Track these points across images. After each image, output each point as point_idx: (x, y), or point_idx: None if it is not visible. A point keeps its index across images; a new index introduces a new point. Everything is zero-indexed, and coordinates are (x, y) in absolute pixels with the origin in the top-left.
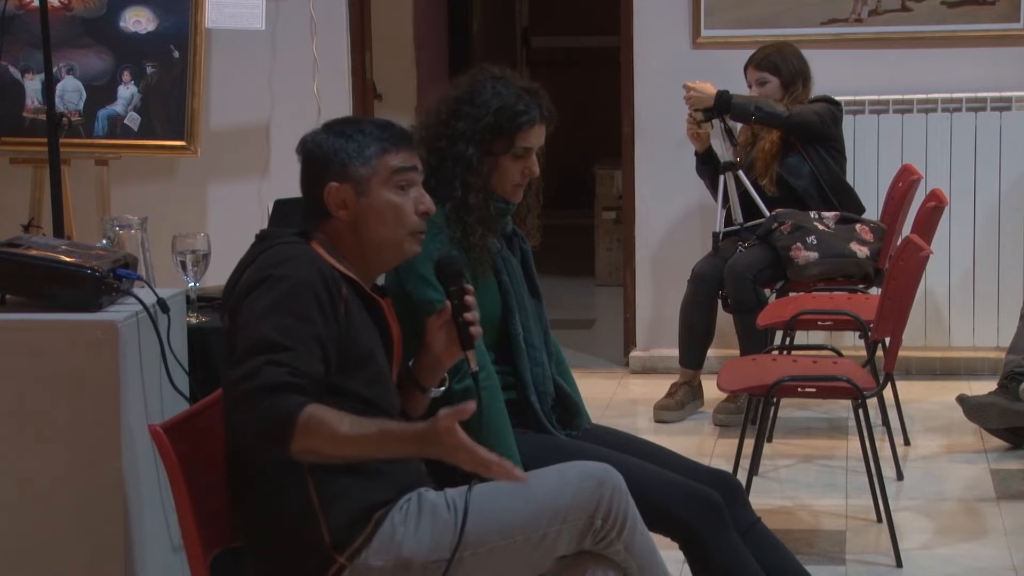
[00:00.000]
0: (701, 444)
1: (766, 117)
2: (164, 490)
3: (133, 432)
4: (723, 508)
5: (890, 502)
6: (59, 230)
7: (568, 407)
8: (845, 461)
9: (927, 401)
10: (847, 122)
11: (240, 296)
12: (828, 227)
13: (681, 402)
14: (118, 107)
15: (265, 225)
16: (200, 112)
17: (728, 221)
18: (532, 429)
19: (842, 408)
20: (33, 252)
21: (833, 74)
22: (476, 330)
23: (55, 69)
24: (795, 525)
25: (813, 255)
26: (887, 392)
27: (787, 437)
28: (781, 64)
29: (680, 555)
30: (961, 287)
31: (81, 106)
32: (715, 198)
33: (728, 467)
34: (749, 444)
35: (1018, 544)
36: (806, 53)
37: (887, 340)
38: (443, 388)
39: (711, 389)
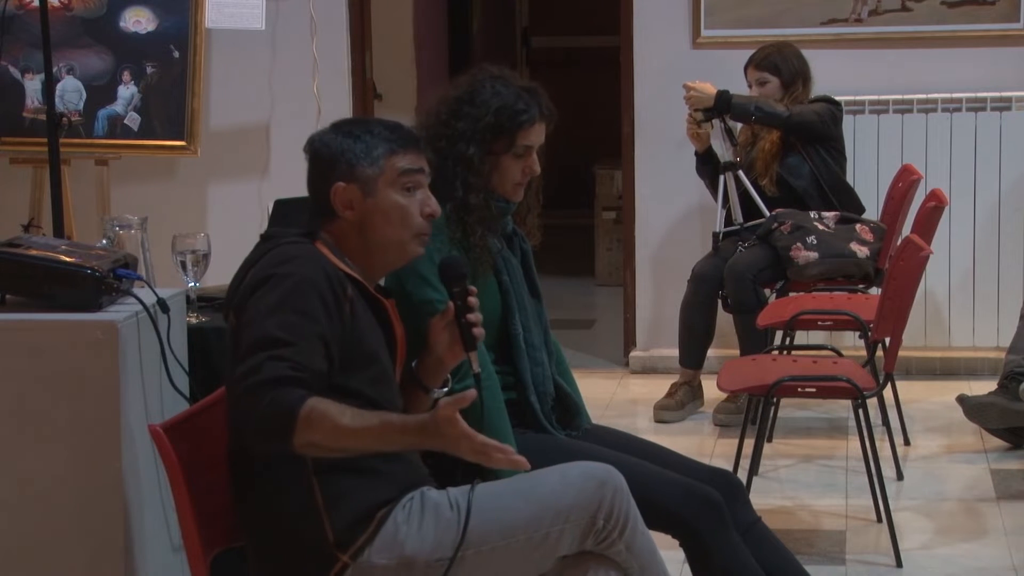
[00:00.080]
0: (701, 444)
1: (766, 117)
2: (164, 490)
3: (133, 432)
4: (723, 506)
5: (890, 502)
6: (59, 230)
7: (568, 407)
8: (845, 461)
9: (927, 401)
10: (847, 122)
11: (244, 295)
12: (828, 227)
13: (681, 402)
14: (118, 107)
15: (265, 225)
16: (200, 112)
17: (728, 221)
18: (532, 429)
19: (842, 408)
20: (33, 252)
21: (833, 74)
22: (479, 332)
23: (55, 69)
24: (795, 525)
25: (813, 255)
26: (887, 392)
27: (787, 437)
28: (781, 64)
29: (680, 555)
30: (961, 287)
31: (81, 106)
32: (715, 198)
33: (728, 467)
34: (749, 444)
35: (1018, 544)
36: (806, 53)
37: (887, 340)
38: (446, 389)
39: (711, 389)
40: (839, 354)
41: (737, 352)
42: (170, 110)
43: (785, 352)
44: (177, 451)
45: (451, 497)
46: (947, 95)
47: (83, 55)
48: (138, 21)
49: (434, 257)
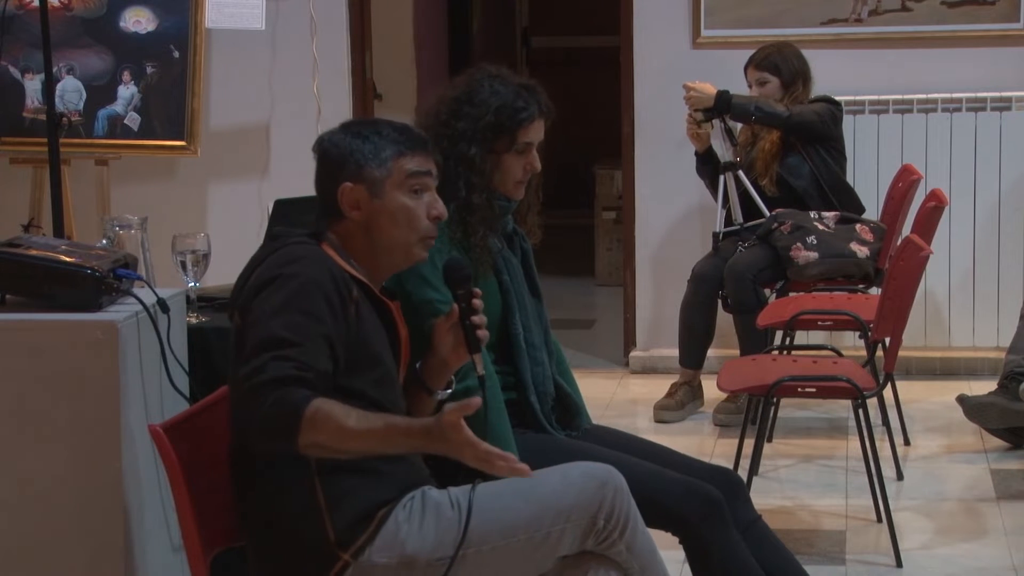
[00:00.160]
0: (701, 444)
1: (766, 117)
2: (164, 490)
3: (133, 432)
4: (723, 505)
5: (890, 502)
6: (59, 230)
7: (568, 407)
8: (845, 461)
9: (927, 401)
10: (847, 122)
11: (250, 295)
12: (828, 227)
13: (681, 402)
14: (118, 107)
15: (265, 225)
16: (200, 112)
17: (728, 221)
18: (532, 429)
19: (842, 408)
20: (33, 252)
21: (833, 74)
22: (483, 334)
23: (55, 69)
24: (795, 525)
25: (813, 255)
26: (887, 392)
27: (787, 437)
28: (781, 64)
29: (680, 555)
30: (961, 287)
31: (81, 106)
32: (715, 198)
33: (728, 467)
34: (749, 444)
35: (1018, 544)
36: (806, 53)
37: (887, 340)
38: (449, 391)
39: (711, 389)
40: (839, 354)
41: (737, 352)
42: (170, 110)
43: (785, 352)
44: (177, 451)
45: (452, 497)
46: (947, 95)
47: (83, 55)
48: (138, 21)
49: (435, 258)
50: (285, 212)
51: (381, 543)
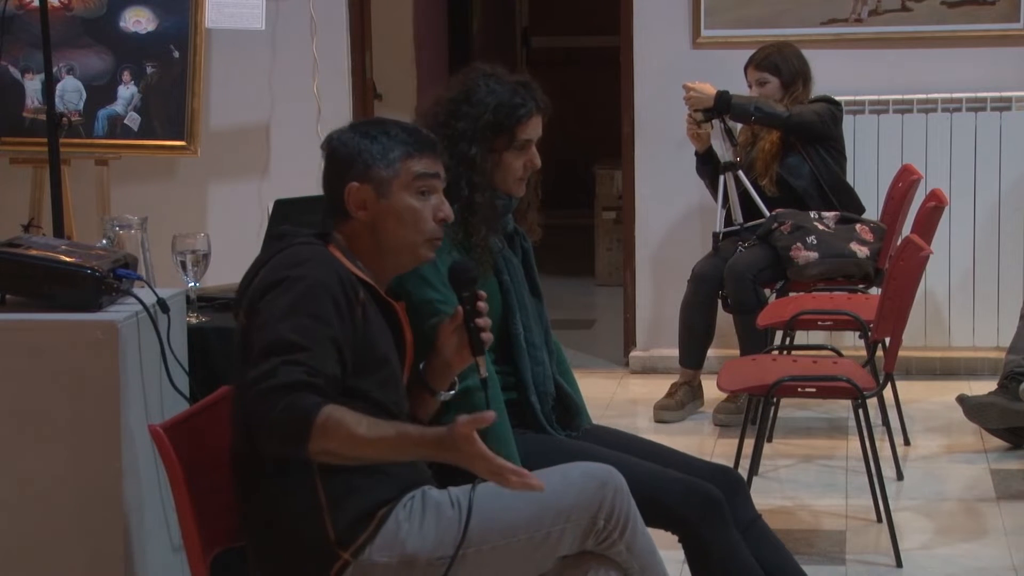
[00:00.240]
0: (701, 444)
1: (766, 117)
2: (164, 490)
3: (133, 432)
4: (723, 504)
5: (890, 502)
6: (59, 230)
7: (568, 407)
8: (845, 461)
9: (927, 401)
10: (847, 122)
11: (256, 296)
12: (828, 227)
13: (681, 402)
14: (118, 107)
15: (265, 225)
16: (200, 112)
17: (728, 221)
18: (532, 429)
19: (842, 408)
20: (33, 252)
21: (833, 74)
22: (487, 337)
23: (55, 69)
24: (795, 525)
25: (813, 255)
26: (887, 392)
27: (787, 437)
28: (781, 64)
29: (680, 555)
30: (961, 287)
31: (81, 106)
32: (715, 198)
33: (728, 465)
34: (749, 444)
35: (1018, 544)
36: (806, 53)
37: (887, 340)
38: (452, 392)
39: (711, 389)
40: (839, 354)
41: (737, 352)
42: (170, 110)
43: (785, 352)
44: (177, 451)
45: (452, 496)
46: (947, 95)
47: (83, 55)
48: (138, 21)
49: (435, 258)
50: (285, 212)
51: (381, 542)
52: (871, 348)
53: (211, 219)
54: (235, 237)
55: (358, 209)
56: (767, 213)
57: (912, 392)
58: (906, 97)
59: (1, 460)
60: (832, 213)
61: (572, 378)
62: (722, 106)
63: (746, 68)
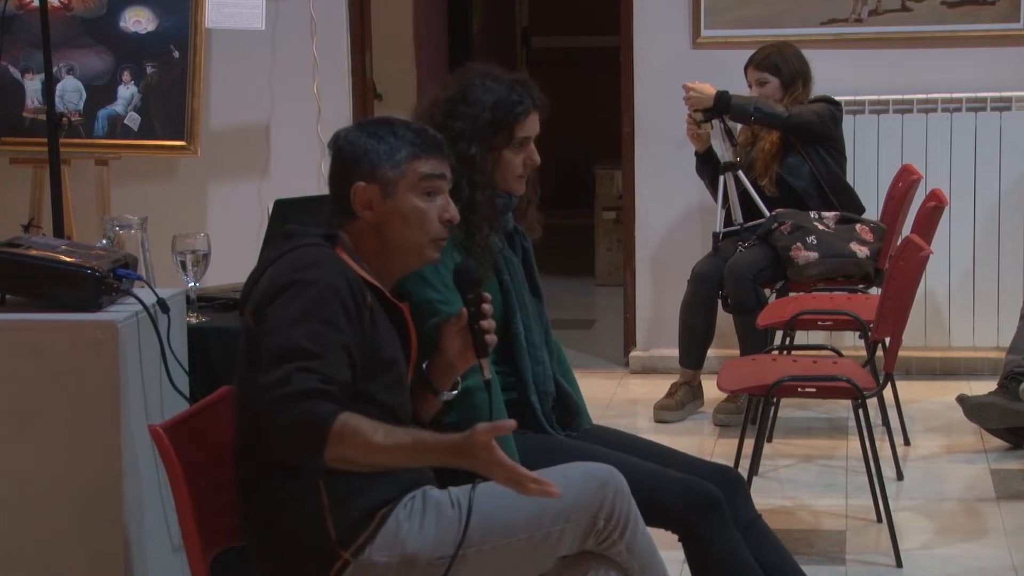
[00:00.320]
0: (701, 444)
1: (765, 118)
2: (164, 490)
3: (133, 432)
4: (723, 504)
5: (890, 502)
6: (59, 230)
7: (568, 407)
8: (845, 461)
9: (927, 401)
10: (847, 122)
11: (266, 299)
12: (828, 227)
13: (681, 402)
14: (118, 107)
15: (265, 225)
16: (200, 112)
17: (728, 221)
18: (532, 429)
19: (842, 408)
20: (33, 252)
21: (833, 74)
22: (491, 338)
23: (55, 69)
24: (795, 525)
25: (813, 255)
26: (887, 392)
27: (787, 437)
28: (781, 64)
29: (680, 555)
30: (961, 287)
31: (81, 106)
32: (715, 198)
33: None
34: (749, 444)
35: (1018, 544)
36: (806, 53)
37: (887, 340)
38: (455, 391)
39: (711, 389)
40: (839, 354)
41: (737, 352)
42: (170, 110)
43: (785, 352)
44: (177, 451)
45: (453, 496)
46: (947, 95)
47: (83, 55)
48: (138, 21)
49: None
50: (285, 212)
51: (382, 542)
52: (871, 348)
53: (211, 219)
54: (235, 237)
55: (364, 209)
56: (767, 213)
57: (912, 392)
58: (906, 97)
59: (1, 460)
60: (832, 213)
61: (572, 378)
62: (722, 106)
63: (746, 68)
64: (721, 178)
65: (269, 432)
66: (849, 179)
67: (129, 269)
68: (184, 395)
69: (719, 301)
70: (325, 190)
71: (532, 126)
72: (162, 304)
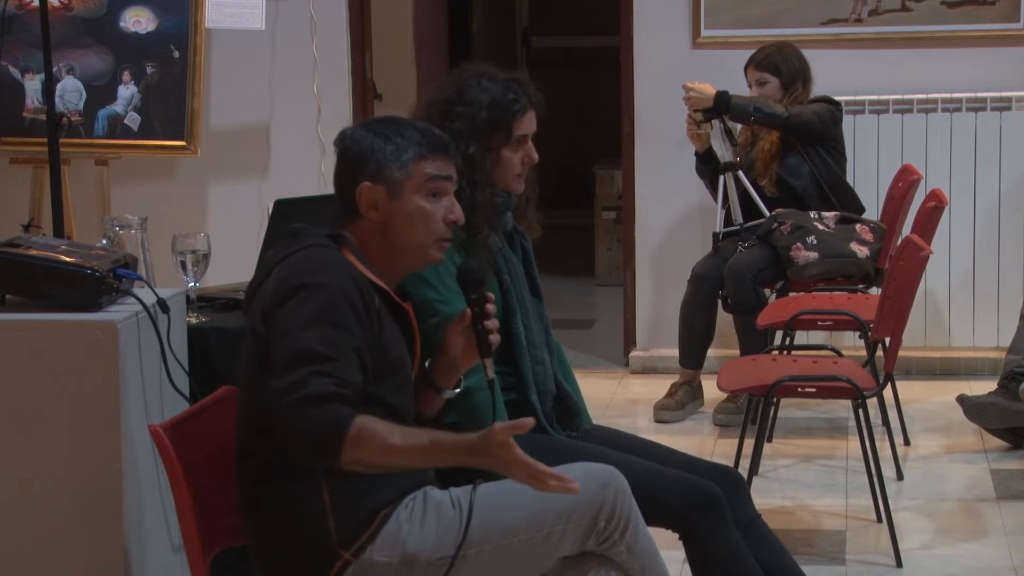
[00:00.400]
0: (701, 444)
1: (765, 118)
2: (164, 490)
3: (133, 432)
4: (723, 503)
5: (890, 502)
6: (59, 230)
7: (568, 407)
8: (845, 461)
9: (927, 401)
10: (847, 122)
11: (275, 301)
12: (828, 227)
13: (681, 402)
14: (118, 107)
15: (265, 225)
16: (200, 112)
17: (728, 221)
18: (532, 429)
19: (842, 408)
20: (33, 252)
21: (833, 74)
22: (495, 338)
23: (55, 69)
24: (795, 525)
25: (813, 255)
26: (887, 392)
27: (787, 437)
28: (781, 64)
29: (680, 555)
30: (961, 287)
31: (81, 106)
32: (715, 198)
33: (729, 465)
34: (749, 444)
35: (1018, 544)
36: (806, 53)
37: (887, 340)
38: (458, 390)
39: (711, 389)
40: (839, 354)
41: (737, 352)
42: (170, 110)
43: (785, 352)
44: (177, 451)
45: (453, 496)
46: (947, 95)
47: (83, 55)
48: (138, 21)
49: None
50: (285, 212)
51: (382, 542)
52: (871, 348)
53: (211, 219)
54: (235, 237)
55: (369, 209)
56: (767, 213)
57: (912, 392)
58: (906, 97)
59: (1, 460)
60: (832, 213)
61: (573, 378)
62: (722, 106)
63: (746, 68)
64: (721, 178)
65: (285, 436)
66: (849, 179)
67: (129, 269)
68: (184, 395)
69: (719, 301)
70: (325, 190)
71: (529, 124)
72: (162, 304)
